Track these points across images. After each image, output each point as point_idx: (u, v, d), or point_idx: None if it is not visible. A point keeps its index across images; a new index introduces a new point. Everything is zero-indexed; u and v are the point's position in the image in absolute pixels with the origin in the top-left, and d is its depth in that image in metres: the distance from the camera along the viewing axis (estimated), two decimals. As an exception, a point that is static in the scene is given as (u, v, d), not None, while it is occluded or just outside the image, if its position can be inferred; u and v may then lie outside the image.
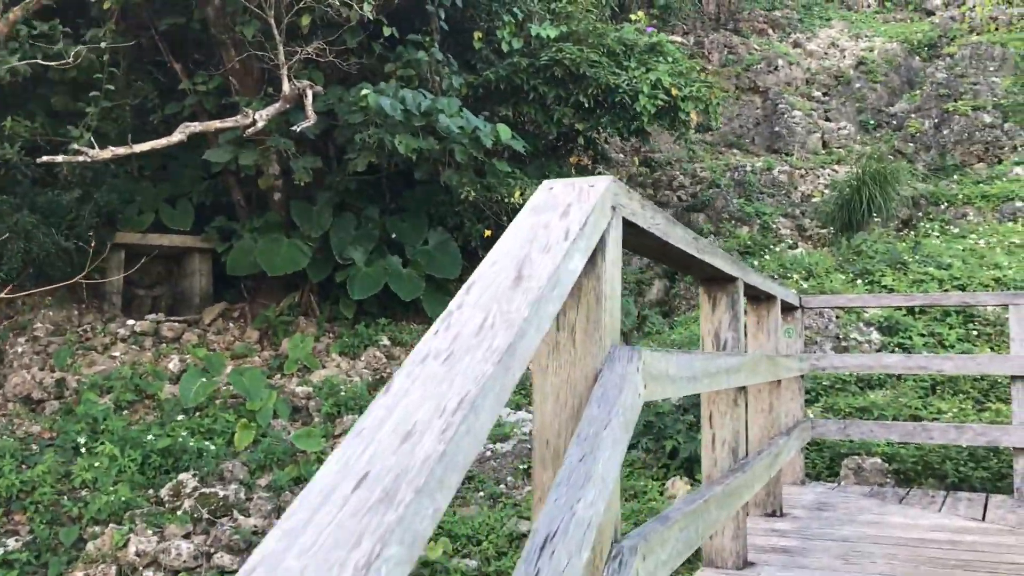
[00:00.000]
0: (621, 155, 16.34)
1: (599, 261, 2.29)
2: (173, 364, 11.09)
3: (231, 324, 12.51)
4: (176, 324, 12.04)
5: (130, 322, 11.86)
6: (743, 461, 4.15)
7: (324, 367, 11.29)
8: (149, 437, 8.80)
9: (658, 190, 15.19)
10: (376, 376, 11.07)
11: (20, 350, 11.18)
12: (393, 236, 12.28)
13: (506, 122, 12.24)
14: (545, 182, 2.39)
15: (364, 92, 9.72)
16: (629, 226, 2.54)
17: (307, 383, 10.49)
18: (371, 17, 9.46)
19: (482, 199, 11.77)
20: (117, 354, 11.28)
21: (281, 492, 8.36)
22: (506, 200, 11.05)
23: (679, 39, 18.60)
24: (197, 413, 9.55)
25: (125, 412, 9.86)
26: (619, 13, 16.59)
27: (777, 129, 16.50)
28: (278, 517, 8.65)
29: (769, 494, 5.43)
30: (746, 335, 5.31)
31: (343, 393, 9.94)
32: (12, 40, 10.86)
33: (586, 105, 11.91)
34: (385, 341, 11.78)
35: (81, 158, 8.53)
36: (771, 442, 5.22)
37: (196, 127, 9.43)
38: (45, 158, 8.44)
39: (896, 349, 9.27)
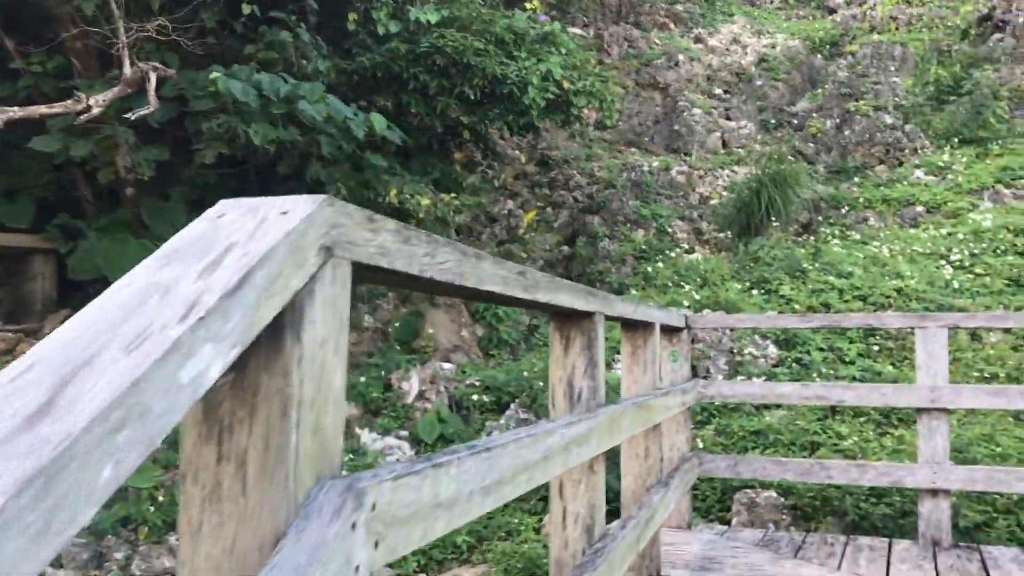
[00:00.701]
0: (517, 151, 15.51)
1: (288, 343, 1.36)
2: (0, 380, 9.76)
3: (75, 333, 11.17)
4: (10, 334, 10.67)
5: (-45, 332, 10.46)
6: (599, 544, 3.30)
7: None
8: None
9: (554, 190, 14.39)
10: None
11: None
12: (259, 236, 11.13)
13: (386, 114, 11.24)
14: (220, 203, 1.46)
15: (213, 75, 8.60)
16: (373, 271, 1.63)
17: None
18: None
19: (357, 197, 10.75)
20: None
21: (103, 536, 7.22)
22: (382, 199, 10.06)
23: (578, 31, 17.87)
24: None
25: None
26: (512, 1, 15.73)
27: (677, 127, 15.90)
28: (99, 568, 7.52)
29: (644, 556, 4.62)
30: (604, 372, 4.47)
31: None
32: None
33: (472, 97, 10.99)
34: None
35: None
36: (646, 497, 4.40)
37: (14, 112, 8.17)
38: None
39: (794, 364, 8.65)
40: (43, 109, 8.38)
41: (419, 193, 10.03)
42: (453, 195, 10.40)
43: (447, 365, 9.13)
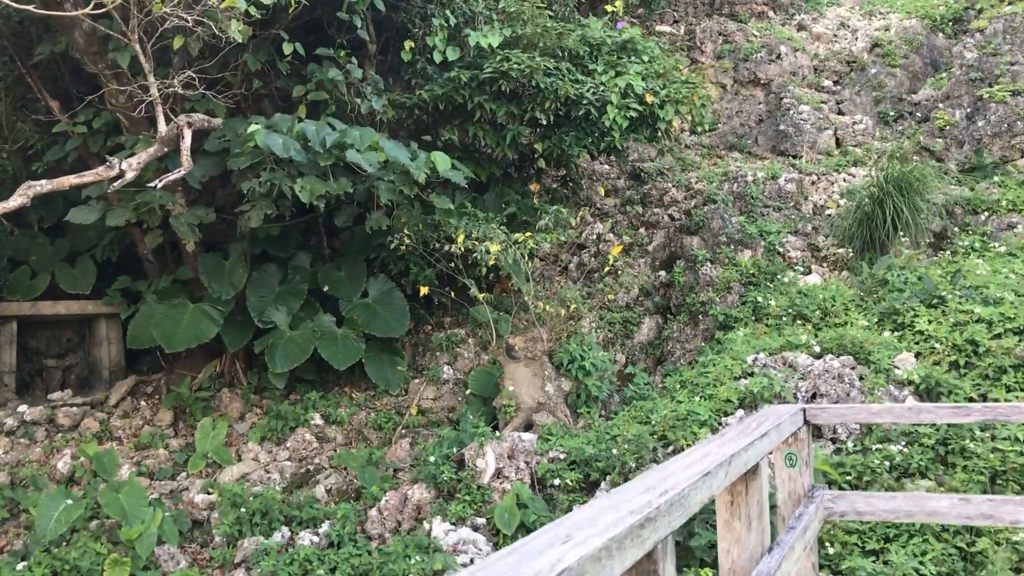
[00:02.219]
0: (607, 166, 14.27)
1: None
2: (64, 463, 9.22)
3: (143, 402, 10.62)
4: (75, 408, 10.15)
5: (21, 408, 10.00)
6: None
7: (240, 459, 9.36)
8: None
9: (647, 207, 13.11)
10: (301, 468, 9.13)
11: None
12: (325, 289, 10.31)
13: (452, 148, 10.26)
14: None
15: (252, 129, 7.75)
16: None
17: (214, 487, 8.55)
18: (240, 40, 7.44)
19: (427, 239, 9.80)
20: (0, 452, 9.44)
21: None
22: (447, 247, 9.06)
23: (667, 28, 16.50)
24: (66, 542, 7.63)
25: (-17, 540, 7.99)
26: (595, 2, 14.52)
27: (782, 127, 14.36)
28: None
29: None
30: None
31: (252, 502, 7.99)
32: None
33: (545, 121, 9.88)
34: (317, 420, 9.83)
35: None
36: None
37: (42, 187, 7.50)
38: None
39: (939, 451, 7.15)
40: (72, 180, 7.69)
41: (489, 237, 8.96)
42: (529, 234, 9.29)
43: (526, 436, 8.04)
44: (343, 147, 8.18)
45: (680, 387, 8.89)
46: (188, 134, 8.01)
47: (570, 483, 7.64)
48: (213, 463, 9.22)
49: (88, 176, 7.82)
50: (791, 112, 14.38)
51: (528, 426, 9.11)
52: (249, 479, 8.92)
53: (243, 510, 7.89)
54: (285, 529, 7.88)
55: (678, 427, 7.73)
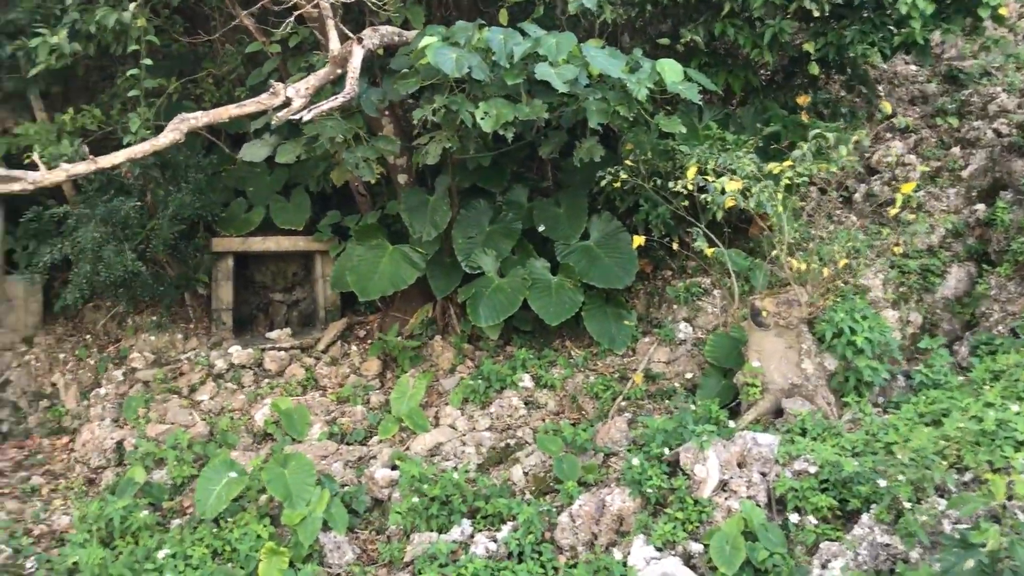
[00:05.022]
0: (913, 67, 11.33)
1: None
2: (261, 414, 8.61)
3: (353, 347, 9.81)
4: (282, 353, 9.54)
5: (233, 349, 9.54)
6: None
7: (437, 424, 8.23)
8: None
9: (964, 119, 10.18)
10: (501, 441, 7.81)
11: (104, 391, 9.27)
12: (541, 229, 8.78)
13: (695, 52, 8.19)
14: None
15: (424, 42, 6.25)
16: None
17: (401, 459, 7.46)
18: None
19: (660, 170, 7.93)
20: (204, 398, 9.02)
21: None
22: (674, 184, 7.14)
23: None
24: (231, 518, 6.89)
25: (167, 502, 7.47)
26: None
27: None
28: None
29: None
30: None
31: (433, 487, 6.79)
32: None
33: (816, 13, 7.50)
34: (527, 381, 8.45)
35: (18, 186, 5.98)
36: None
37: (197, 119, 6.55)
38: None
39: None
40: (231, 110, 6.68)
41: (731, 169, 6.91)
42: (788, 162, 7.09)
43: (764, 440, 6.08)
44: (538, 59, 6.47)
45: (992, 378, 6.46)
46: (358, 52, 6.69)
47: (820, 510, 5.66)
48: (407, 428, 8.16)
49: (249, 105, 6.77)
50: None
51: (777, 412, 7.12)
52: (441, 451, 7.76)
53: (419, 498, 6.70)
54: (466, 523, 6.62)
55: (982, 446, 5.44)
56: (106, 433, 8.56)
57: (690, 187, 7.00)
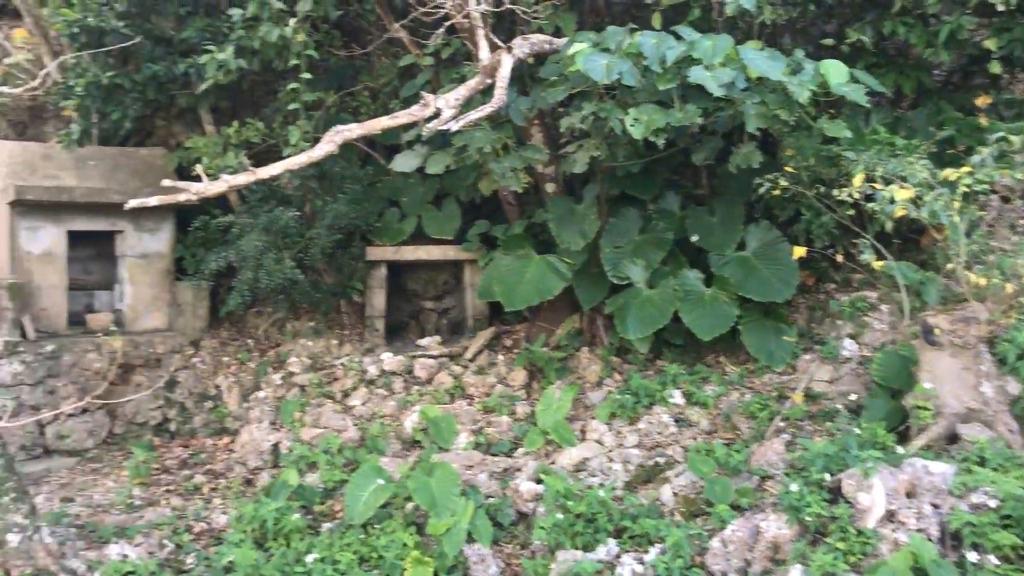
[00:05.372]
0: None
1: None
2: (411, 421, 8.70)
3: (500, 356, 9.78)
4: (431, 360, 9.62)
5: (385, 355, 9.70)
6: None
7: (584, 437, 8.06)
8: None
9: None
10: (650, 460, 7.57)
11: (263, 394, 9.61)
12: (694, 239, 8.48)
13: (862, 52, 7.73)
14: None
15: (573, 48, 6.13)
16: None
17: (547, 473, 7.35)
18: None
19: (823, 177, 7.51)
20: (356, 403, 9.20)
21: None
22: (838, 192, 6.71)
23: None
24: (378, 525, 6.94)
25: (318, 506, 7.63)
26: None
27: None
28: None
29: None
30: None
31: (577, 503, 6.64)
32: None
33: (1000, 8, 6.91)
34: (677, 398, 8.16)
35: (183, 197, 6.25)
36: None
37: (351, 131, 6.67)
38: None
39: None
40: (383, 121, 6.77)
41: (902, 175, 6.43)
42: (966, 169, 6.53)
43: (936, 469, 5.59)
44: (692, 63, 6.23)
45: None
46: (507, 61, 6.65)
47: (1001, 548, 5.14)
48: (552, 441, 8.04)
49: (401, 117, 6.85)
50: None
51: (951, 439, 6.56)
52: (587, 466, 7.59)
53: (564, 514, 6.55)
54: (612, 543, 6.42)
55: None
56: (263, 435, 8.85)
57: (856, 195, 6.56)
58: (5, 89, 6.60)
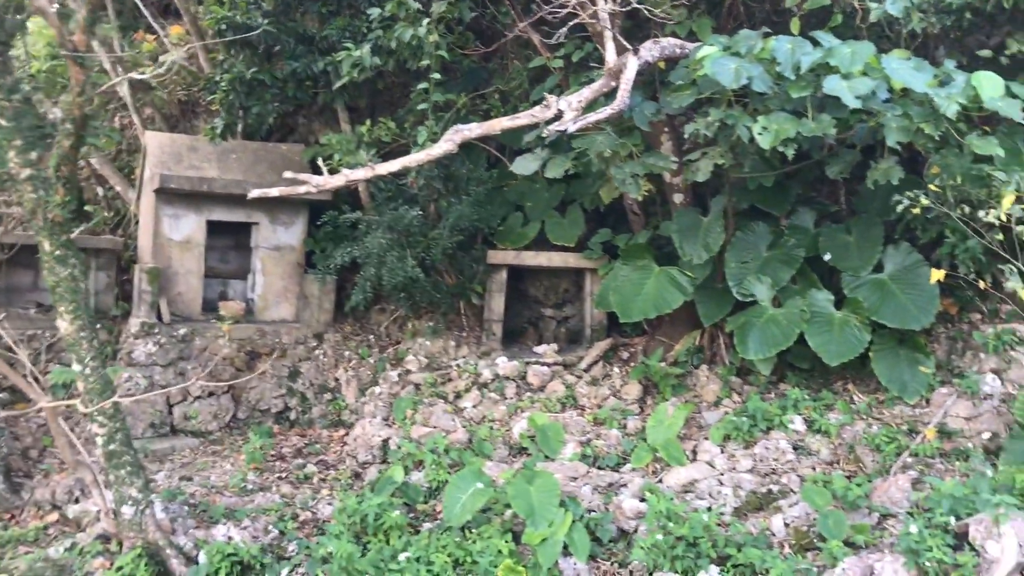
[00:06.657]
0: None
1: None
2: (519, 427, 8.61)
3: (615, 369, 9.58)
4: (545, 368, 9.51)
5: (500, 360, 9.66)
6: None
7: (695, 458, 7.75)
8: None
9: None
10: (763, 487, 7.19)
11: (379, 389, 9.73)
12: (826, 258, 8.04)
13: (1022, 65, 7.14)
14: None
15: (702, 53, 5.90)
16: None
17: (652, 492, 7.09)
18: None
19: (970, 197, 6.96)
20: (467, 405, 9.19)
21: None
22: (985, 214, 6.19)
23: None
24: (476, 529, 6.87)
25: (421, 504, 7.62)
26: None
27: None
28: None
29: None
30: None
31: (679, 525, 6.37)
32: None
33: None
34: (798, 424, 7.74)
35: (303, 188, 6.36)
36: None
37: (471, 131, 6.64)
38: (256, 193, 6.43)
39: None
40: (504, 122, 6.70)
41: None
42: None
43: (1081, 524, 5.05)
44: (829, 71, 5.88)
45: None
46: (633, 64, 6.46)
47: None
48: (661, 459, 7.77)
49: (522, 117, 6.76)
50: None
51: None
52: (696, 488, 7.28)
53: (664, 535, 6.29)
54: (714, 570, 6.11)
55: None
56: (375, 430, 8.94)
57: (1004, 218, 6.04)
58: (134, 75, 6.86)
